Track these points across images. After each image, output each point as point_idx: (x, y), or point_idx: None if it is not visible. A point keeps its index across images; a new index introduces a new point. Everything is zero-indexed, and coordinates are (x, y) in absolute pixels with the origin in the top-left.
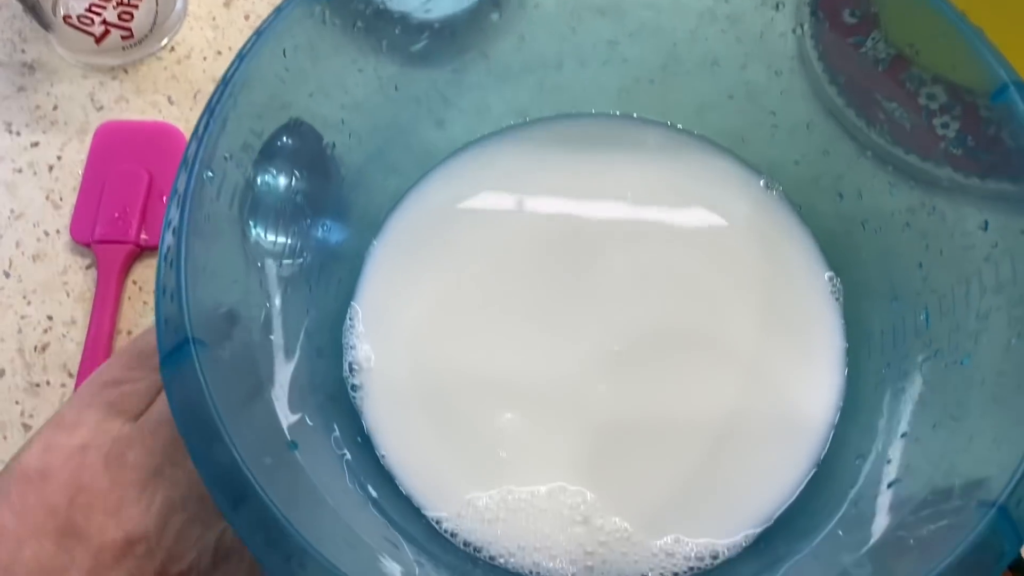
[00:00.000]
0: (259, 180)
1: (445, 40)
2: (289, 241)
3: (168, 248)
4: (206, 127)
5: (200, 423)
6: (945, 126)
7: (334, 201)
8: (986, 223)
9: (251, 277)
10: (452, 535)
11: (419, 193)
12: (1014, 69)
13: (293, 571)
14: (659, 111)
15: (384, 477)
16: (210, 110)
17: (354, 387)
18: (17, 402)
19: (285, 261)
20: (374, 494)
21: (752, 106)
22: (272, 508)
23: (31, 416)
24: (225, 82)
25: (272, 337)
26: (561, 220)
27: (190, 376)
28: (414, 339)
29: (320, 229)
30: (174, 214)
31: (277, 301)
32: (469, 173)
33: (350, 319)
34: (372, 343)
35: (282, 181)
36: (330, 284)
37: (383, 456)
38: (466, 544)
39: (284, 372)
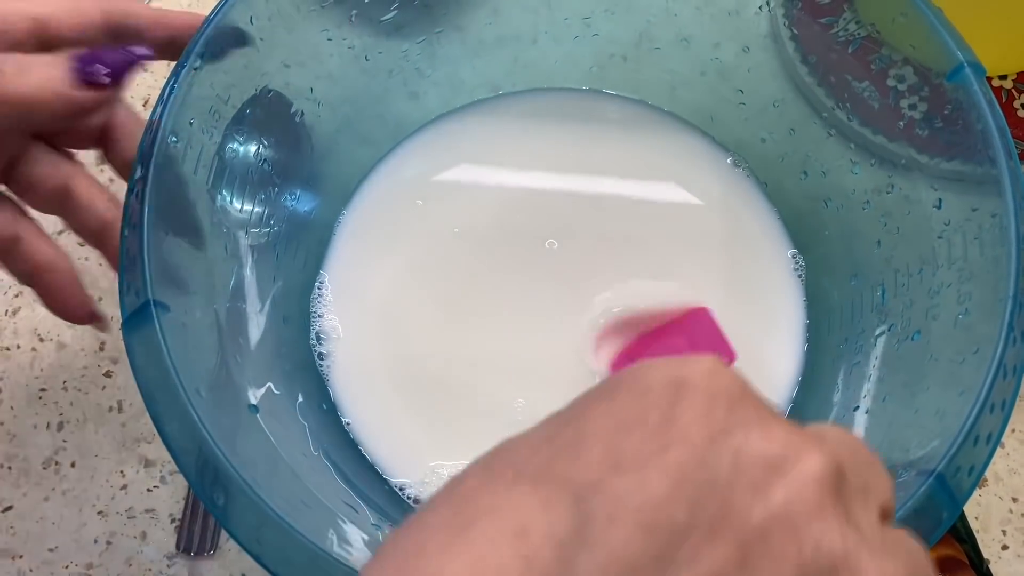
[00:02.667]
0: (228, 147)
1: (417, 12)
2: (257, 209)
3: (131, 211)
4: (171, 92)
5: (161, 385)
6: (912, 107)
7: (304, 170)
8: (940, 201)
9: (217, 243)
10: (415, 501)
11: (390, 164)
12: (971, 49)
13: (251, 530)
14: (631, 88)
15: (348, 444)
16: (175, 75)
17: (321, 356)
18: None
19: (252, 229)
20: (337, 460)
21: (723, 84)
22: (229, 467)
23: (1, 379)
24: (191, 47)
25: (238, 303)
26: (532, 194)
27: (151, 338)
28: (383, 309)
29: (289, 198)
30: (138, 177)
31: (244, 268)
32: (440, 145)
33: (318, 288)
34: (340, 312)
35: (251, 149)
36: (298, 253)
37: (348, 424)
38: None
39: (249, 338)
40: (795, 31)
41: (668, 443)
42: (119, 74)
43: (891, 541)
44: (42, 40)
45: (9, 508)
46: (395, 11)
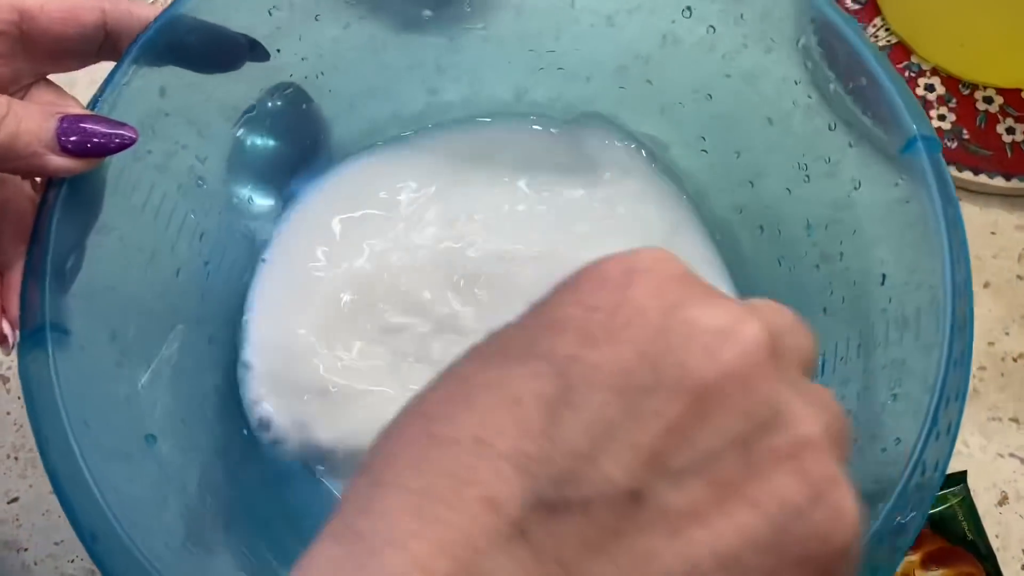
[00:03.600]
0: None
1: (439, 7)
2: (191, 217)
3: (38, 227)
4: (95, 104)
5: (47, 415)
6: (942, 118)
7: (317, 166)
8: (884, 277)
9: (137, 259)
10: None
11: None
12: (928, 123)
13: (121, 571)
14: (653, 91)
15: (273, 482)
16: (106, 83)
17: (247, 366)
18: None
19: (184, 239)
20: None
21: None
22: (104, 506)
23: (9, 368)
24: (127, 54)
25: (150, 321)
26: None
27: (43, 364)
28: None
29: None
30: (51, 186)
31: (164, 284)
32: (435, 152)
33: (248, 309)
34: (268, 330)
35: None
36: (228, 265)
37: (276, 442)
38: None
39: (164, 362)
40: (823, 36)
41: (629, 319)
42: (104, 152)
43: (812, 392)
44: (27, 33)
45: (15, 499)
46: (418, 6)
